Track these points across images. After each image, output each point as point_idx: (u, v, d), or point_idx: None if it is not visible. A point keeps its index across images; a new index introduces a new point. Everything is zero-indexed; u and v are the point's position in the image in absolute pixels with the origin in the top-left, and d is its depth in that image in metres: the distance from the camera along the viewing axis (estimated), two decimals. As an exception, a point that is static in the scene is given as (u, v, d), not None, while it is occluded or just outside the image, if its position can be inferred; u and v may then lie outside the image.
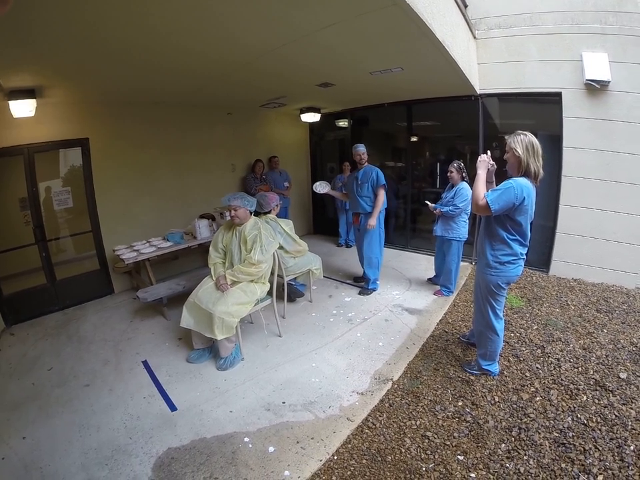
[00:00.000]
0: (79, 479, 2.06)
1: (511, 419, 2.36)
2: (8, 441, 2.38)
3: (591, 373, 2.78)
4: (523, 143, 2.33)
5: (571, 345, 3.17)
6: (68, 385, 2.96)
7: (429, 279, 4.79)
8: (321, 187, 4.68)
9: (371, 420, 2.43)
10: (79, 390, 2.89)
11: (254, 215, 3.35)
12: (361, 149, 4.34)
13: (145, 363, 3.21)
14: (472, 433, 2.27)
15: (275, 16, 2.34)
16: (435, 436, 2.26)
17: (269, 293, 3.38)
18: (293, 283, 4.30)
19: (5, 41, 2.25)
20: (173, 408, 2.62)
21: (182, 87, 4.29)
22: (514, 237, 2.44)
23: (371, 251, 4.38)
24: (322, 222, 7.97)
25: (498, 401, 2.53)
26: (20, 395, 2.87)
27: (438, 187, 5.91)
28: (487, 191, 2.39)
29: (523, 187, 2.28)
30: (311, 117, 6.62)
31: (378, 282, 4.58)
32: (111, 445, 2.29)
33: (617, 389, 2.57)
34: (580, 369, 2.84)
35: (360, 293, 4.49)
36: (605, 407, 2.41)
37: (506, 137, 2.44)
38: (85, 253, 4.87)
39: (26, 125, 3.99)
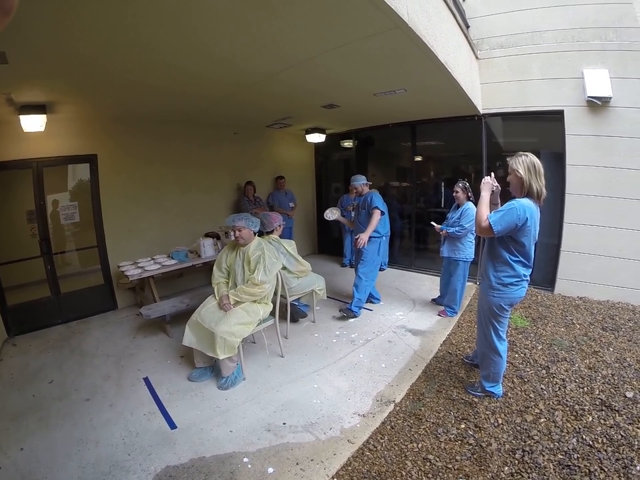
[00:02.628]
0: (75, 492, 2.05)
1: (514, 442, 2.32)
2: (6, 450, 2.39)
3: (597, 392, 2.74)
4: (524, 163, 2.34)
5: (577, 365, 3.13)
6: (68, 399, 2.96)
7: (433, 300, 4.76)
8: (331, 214, 4.68)
9: (372, 442, 2.40)
10: (79, 404, 2.88)
11: (258, 235, 3.37)
12: (356, 183, 4.35)
13: (146, 380, 3.20)
14: (474, 456, 2.23)
15: (279, 40, 2.41)
16: (437, 459, 2.22)
17: (272, 313, 3.38)
18: (297, 304, 4.27)
19: (17, 57, 2.33)
20: (172, 426, 2.60)
21: (186, 107, 4.39)
22: (517, 259, 2.43)
23: (363, 273, 4.33)
24: (327, 242, 7.98)
25: (501, 423, 2.49)
26: (20, 405, 2.88)
27: (443, 206, 5.92)
28: (491, 213, 2.40)
29: (525, 208, 2.28)
30: (316, 138, 6.69)
31: (359, 310, 4.39)
32: (109, 461, 2.28)
33: (623, 409, 2.53)
34: (585, 389, 2.80)
35: (340, 310, 4.36)
36: (610, 427, 2.37)
37: (508, 159, 2.46)
38: (90, 268, 4.91)
39: (36, 140, 4.07)
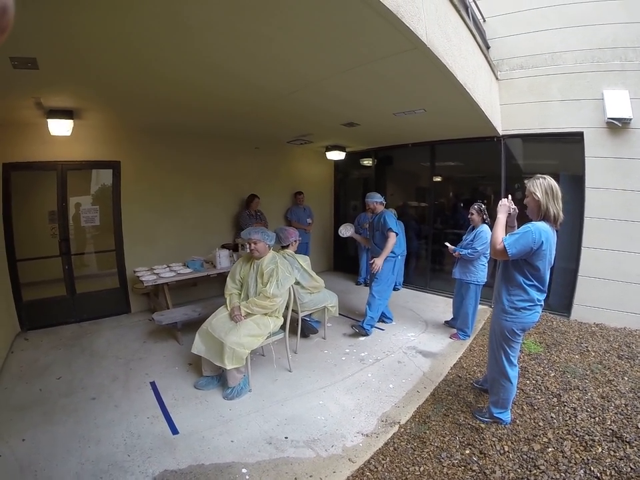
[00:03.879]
0: (71, 487, 2.08)
1: (519, 470, 2.24)
2: (8, 440, 2.44)
3: (609, 423, 2.64)
4: (542, 186, 2.31)
5: (589, 394, 3.03)
6: (75, 396, 3.02)
7: (446, 322, 4.69)
8: (345, 230, 4.71)
9: (373, 463, 2.35)
10: (84, 402, 2.94)
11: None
12: (370, 200, 4.31)
13: (153, 384, 3.23)
14: (477, 484, 2.17)
15: (296, 59, 2.47)
16: (438, 484, 2.17)
17: (282, 327, 3.38)
18: (308, 319, 4.25)
19: (47, 63, 2.43)
20: (174, 431, 2.61)
21: (206, 122, 4.54)
22: (531, 283, 2.39)
23: (377, 291, 4.29)
24: (342, 259, 7.94)
25: (507, 451, 2.42)
26: (26, 398, 2.95)
27: (461, 228, 5.83)
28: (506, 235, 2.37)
29: (541, 231, 2.25)
30: (336, 155, 6.73)
31: (371, 328, 4.36)
32: (108, 460, 2.31)
33: (635, 440, 2.43)
34: (597, 418, 2.70)
35: (352, 326, 4.35)
36: (620, 459, 2.28)
37: (525, 182, 2.43)
38: (107, 271, 5.03)
39: (62, 143, 4.24)
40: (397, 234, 4.14)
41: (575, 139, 4.58)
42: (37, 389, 3.09)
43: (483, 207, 3.97)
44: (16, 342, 4.00)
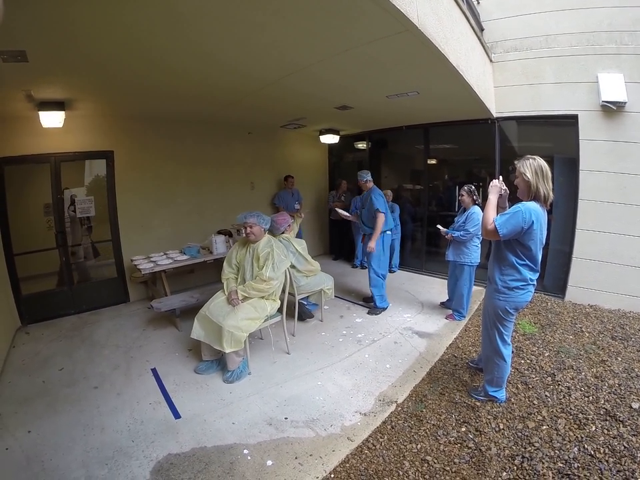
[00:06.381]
0: (78, 475, 2.13)
1: (514, 447, 2.30)
2: (14, 432, 2.48)
3: (602, 402, 2.69)
4: (531, 167, 2.32)
5: (583, 373, 3.08)
6: (77, 386, 3.05)
7: (442, 303, 4.73)
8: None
9: (371, 441, 2.41)
10: (87, 391, 2.98)
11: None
12: (362, 179, 4.41)
13: (154, 371, 3.27)
14: (473, 460, 2.22)
15: (288, 44, 2.46)
16: (435, 461, 2.22)
17: (279, 310, 3.42)
18: (305, 302, 4.31)
19: (37, 55, 2.41)
20: (177, 415, 2.66)
21: (198, 109, 4.53)
22: (523, 262, 2.42)
23: (372, 271, 4.43)
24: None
25: (502, 429, 2.47)
26: (30, 390, 2.98)
27: (456, 210, 5.87)
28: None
29: (531, 211, 2.27)
30: (330, 139, 6.71)
31: (385, 301, 4.57)
32: (112, 446, 2.35)
33: (628, 420, 2.48)
34: (590, 398, 2.75)
35: (369, 313, 4.50)
36: (613, 438, 2.33)
37: (515, 162, 2.44)
38: (104, 261, 5.05)
39: (54, 135, 4.20)
40: (384, 213, 4.21)
41: (569, 122, 4.56)
42: (40, 381, 3.12)
43: (473, 188, 3.98)
44: (17, 336, 4.02)
